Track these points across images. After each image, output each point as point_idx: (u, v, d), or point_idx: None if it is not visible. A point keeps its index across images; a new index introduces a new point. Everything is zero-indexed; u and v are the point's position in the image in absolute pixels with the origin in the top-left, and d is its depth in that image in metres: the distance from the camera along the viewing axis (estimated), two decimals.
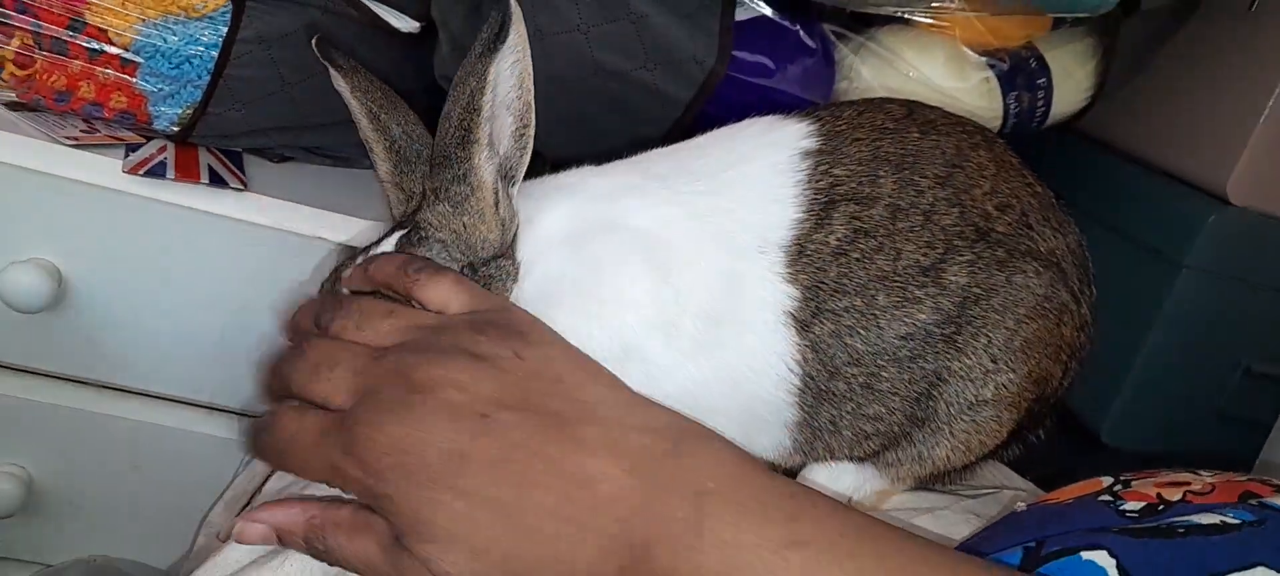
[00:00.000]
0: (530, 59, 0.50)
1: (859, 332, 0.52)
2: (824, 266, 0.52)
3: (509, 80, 0.50)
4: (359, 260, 0.52)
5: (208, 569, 0.49)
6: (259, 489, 0.61)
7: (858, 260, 0.52)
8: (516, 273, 0.53)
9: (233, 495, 0.65)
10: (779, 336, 0.52)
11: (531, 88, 0.51)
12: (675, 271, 0.52)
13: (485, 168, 0.50)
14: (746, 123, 0.59)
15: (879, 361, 0.53)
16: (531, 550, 0.39)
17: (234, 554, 0.49)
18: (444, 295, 0.46)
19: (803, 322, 0.52)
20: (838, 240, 0.52)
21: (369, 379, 0.42)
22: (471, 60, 0.49)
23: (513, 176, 0.52)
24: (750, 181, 0.55)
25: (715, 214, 0.54)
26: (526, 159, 0.52)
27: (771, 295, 0.52)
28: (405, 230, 0.52)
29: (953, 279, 0.53)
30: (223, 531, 0.62)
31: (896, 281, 0.52)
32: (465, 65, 0.50)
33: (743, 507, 0.38)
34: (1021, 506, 0.54)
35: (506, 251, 0.53)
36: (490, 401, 0.40)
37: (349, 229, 0.75)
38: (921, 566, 0.37)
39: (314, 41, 0.62)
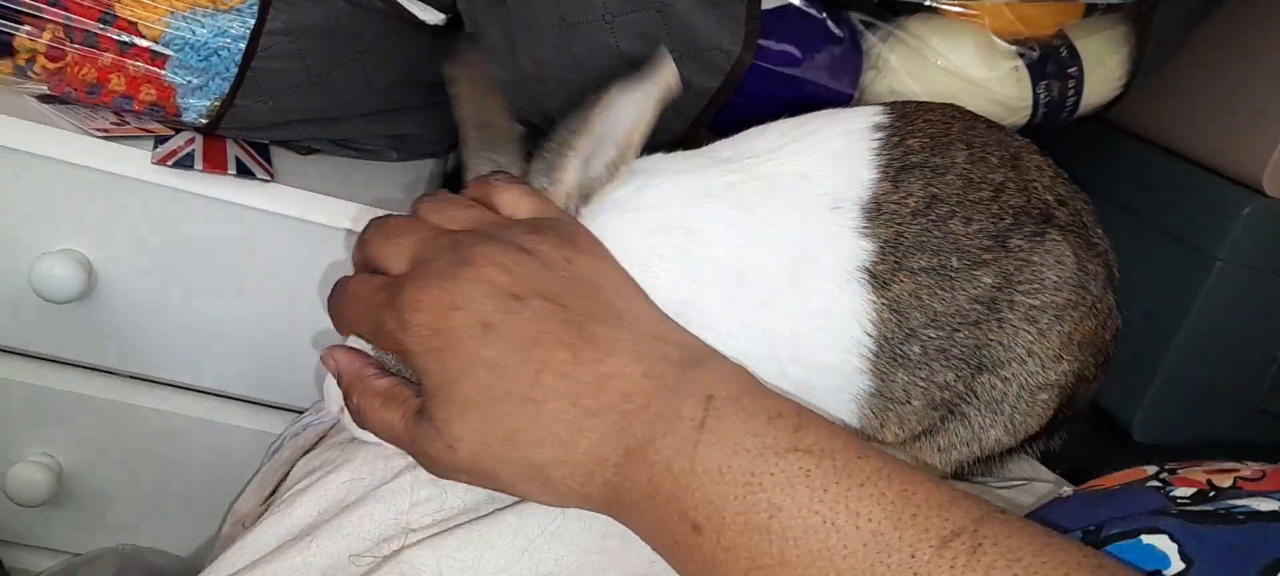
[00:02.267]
0: (654, 111, 0.52)
1: (938, 293, 0.52)
2: (903, 223, 0.52)
3: (629, 118, 0.51)
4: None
5: (233, 553, 0.50)
6: (284, 477, 0.61)
7: (934, 221, 0.52)
8: None
9: (259, 483, 0.65)
10: (853, 294, 0.52)
11: (645, 135, 0.52)
12: (735, 239, 0.52)
13: (571, 178, 0.52)
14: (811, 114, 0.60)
15: (954, 322, 0.52)
16: (538, 428, 0.41)
17: (261, 539, 0.49)
18: (513, 200, 0.50)
19: (880, 279, 0.52)
20: (916, 202, 0.53)
21: (427, 250, 0.45)
22: (618, 84, 0.51)
23: (588, 198, 0.53)
24: (821, 147, 0.55)
25: (781, 178, 0.54)
26: (604, 192, 0.54)
27: (846, 250, 0.52)
28: None
29: (1017, 243, 0.53)
30: (248, 519, 0.63)
31: (968, 244, 0.53)
32: (615, 85, 0.51)
33: (748, 412, 0.40)
34: (1068, 491, 0.53)
35: None
36: (529, 288, 0.43)
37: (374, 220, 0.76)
38: (916, 486, 0.38)
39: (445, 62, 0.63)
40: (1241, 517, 0.41)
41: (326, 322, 0.78)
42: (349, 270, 0.51)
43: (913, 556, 0.35)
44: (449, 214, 0.48)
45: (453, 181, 1.17)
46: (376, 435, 0.46)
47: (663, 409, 0.40)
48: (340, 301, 0.48)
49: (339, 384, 0.49)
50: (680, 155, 0.59)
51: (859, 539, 0.36)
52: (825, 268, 0.52)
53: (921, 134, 0.55)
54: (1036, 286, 0.53)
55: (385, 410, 0.45)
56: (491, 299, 0.42)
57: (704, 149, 0.60)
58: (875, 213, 0.52)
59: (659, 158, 0.59)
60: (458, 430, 0.41)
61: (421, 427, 0.43)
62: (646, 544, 0.42)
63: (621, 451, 0.40)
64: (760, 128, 0.59)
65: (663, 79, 0.51)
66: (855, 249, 0.52)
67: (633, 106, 0.51)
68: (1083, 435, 0.64)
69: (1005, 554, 0.35)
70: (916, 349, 0.52)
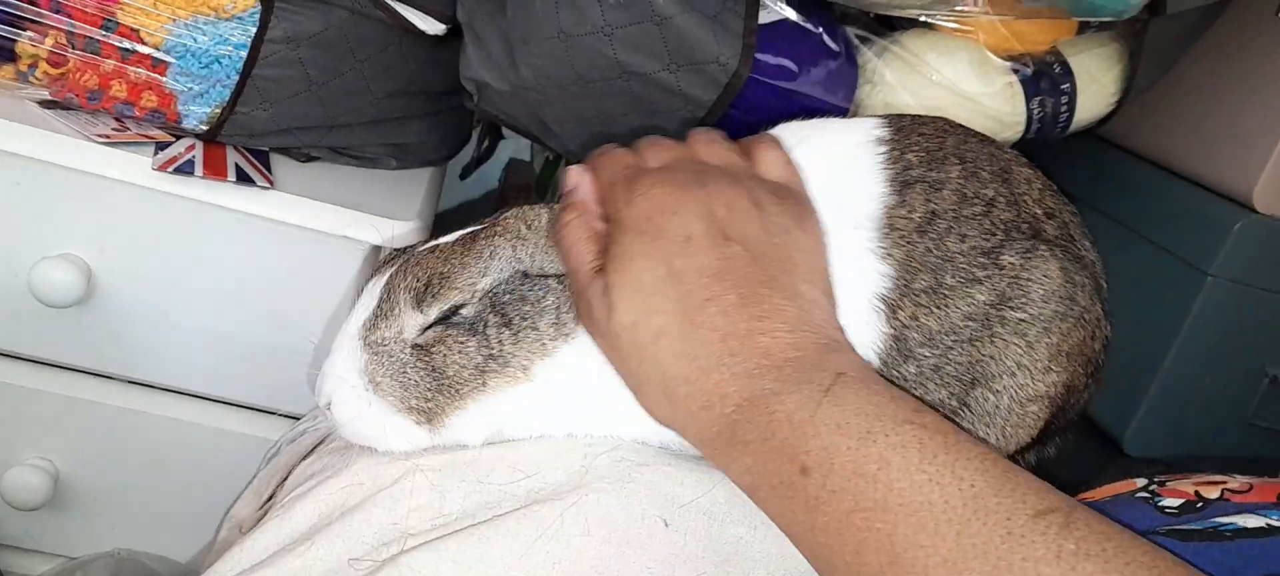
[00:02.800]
0: None
1: (934, 312, 0.52)
2: (912, 242, 0.53)
3: None
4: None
5: (231, 557, 0.50)
6: (282, 483, 0.61)
7: (934, 239, 0.53)
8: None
9: (256, 489, 0.65)
10: (868, 323, 0.52)
11: None
12: None
13: None
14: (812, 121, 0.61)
15: (948, 341, 0.53)
16: (683, 343, 0.45)
17: (259, 543, 0.49)
18: (770, 160, 0.54)
19: (892, 306, 0.52)
20: (919, 217, 0.53)
21: (678, 163, 0.52)
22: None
23: None
24: (833, 160, 0.55)
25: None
26: None
27: (868, 277, 0.52)
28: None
29: (1008, 260, 0.54)
30: (246, 524, 0.63)
31: (962, 262, 0.53)
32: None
33: (873, 390, 0.43)
34: None
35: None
36: (739, 233, 0.47)
37: (373, 227, 0.76)
38: (1018, 472, 0.40)
39: None
40: (1229, 534, 0.42)
41: (324, 330, 0.79)
42: (351, 278, 0.51)
43: (1008, 518, 0.37)
44: (710, 149, 0.54)
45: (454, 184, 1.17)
46: (563, 253, 0.51)
47: (795, 373, 0.43)
48: (601, 153, 0.55)
49: (571, 194, 0.53)
50: None
51: (960, 498, 0.38)
52: (844, 292, 0.51)
53: (918, 149, 0.56)
54: (1024, 300, 0.53)
55: (586, 244, 0.49)
56: (704, 223, 0.47)
57: None
58: (888, 230, 0.53)
59: None
60: (620, 299, 0.46)
61: (596, 280, 0.48)
62: (740, 484, 0.45)
63: (746, 395, 0.43)
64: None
65: None
66: (874, 275, 0.52)
67: None
68: (1075, 449, 0.65)
69: (1095, 533, 0.37)
70: (912, 369, 0.53)
